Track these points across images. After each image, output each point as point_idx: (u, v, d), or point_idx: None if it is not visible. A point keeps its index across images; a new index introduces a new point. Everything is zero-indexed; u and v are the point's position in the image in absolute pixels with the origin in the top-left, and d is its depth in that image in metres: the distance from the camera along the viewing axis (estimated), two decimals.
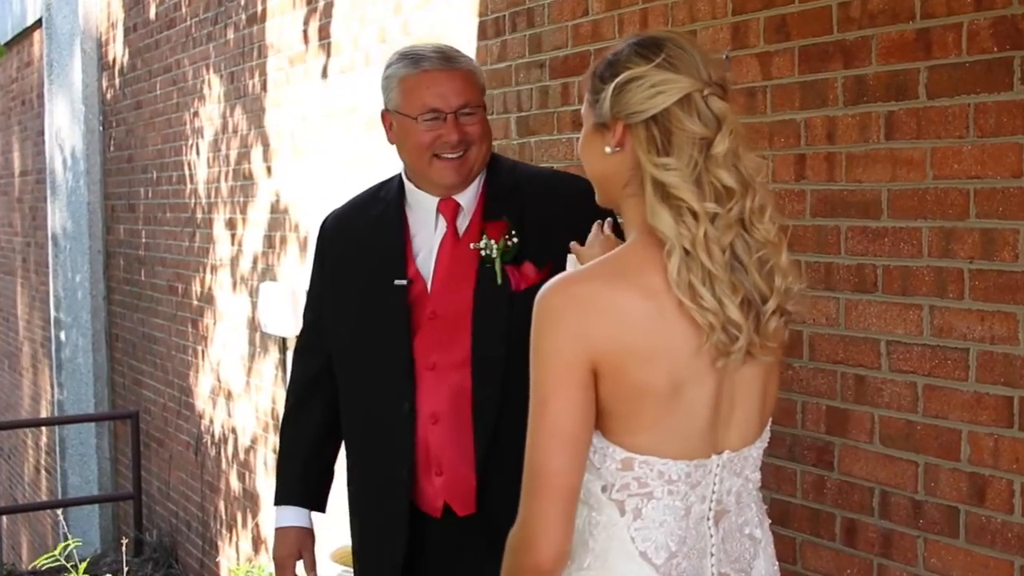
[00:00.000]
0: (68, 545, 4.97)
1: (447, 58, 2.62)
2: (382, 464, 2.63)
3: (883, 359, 2.83)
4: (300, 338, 2.94)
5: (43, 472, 10.68)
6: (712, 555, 1.94)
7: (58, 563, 4.95)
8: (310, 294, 2.89)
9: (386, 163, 4.92)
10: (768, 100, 3.11)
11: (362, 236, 2.71)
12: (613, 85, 1.89)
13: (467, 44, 4.38)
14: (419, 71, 2.57)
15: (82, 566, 4.95)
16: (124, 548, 5.49)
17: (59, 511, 8.79)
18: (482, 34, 4.30)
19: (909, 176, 2.74)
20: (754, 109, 3.15)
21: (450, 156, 2.58)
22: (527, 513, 1.85)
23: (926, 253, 2.71)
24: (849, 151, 2.89)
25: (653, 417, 1.85)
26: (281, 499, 2.91)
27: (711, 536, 1.94)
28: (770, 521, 2.09)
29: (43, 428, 10.46)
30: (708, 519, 1.94)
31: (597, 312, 1.81)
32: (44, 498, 10.41)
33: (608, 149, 1.91)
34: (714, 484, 1.93)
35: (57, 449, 9.69)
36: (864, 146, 2.85)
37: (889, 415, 2.82)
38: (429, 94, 2.55)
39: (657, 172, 1.85)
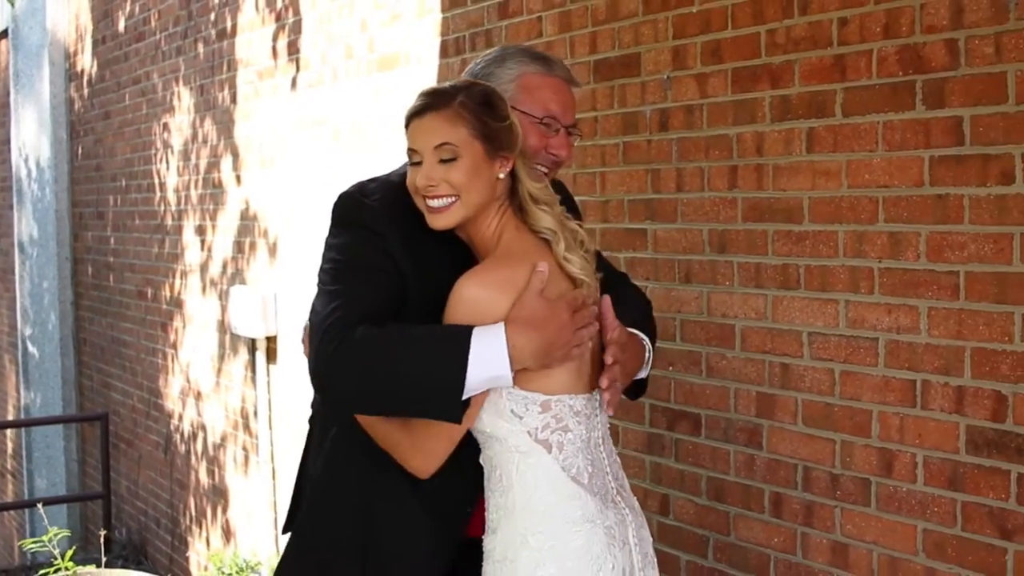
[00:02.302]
0: (57, 534, 5.19)
1: (571, 74, 2.56)
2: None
3: (805, 348, 3.16)
4: (354, 319, 2.23)
5: (8, 476, 10.85)
6: (608, 473, 2.33)
7: (46, 548, 5.18)
8: (371, 273, 2.28)
9: (352, 173, 5.23)
10: (704, 117, 3.44)
11: (426, 233, 2.31)
12: (512, 122, 2.30)
13: (430, 61, 4.70)
14: (550, 73, 2.49)
15: (68, 553, 5.19)
16: (101, 540, 5.71)
17: (26, 512, 8.98)
18: (444, 52, 4.61)
19: (827, 185, 3.08)
20: (692, 125, 3.48)
21: (544, 170, 2.47)
22: (428, 448, 2.24)
23: (842, 254, 3.05)
24: (775, 163, 3.22)
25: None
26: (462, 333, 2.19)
27: (604, 458, 2.34)
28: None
29: (7, 432, 10.63)
30: (600, 445, 2.34)
31: (516, 289, 2.19)
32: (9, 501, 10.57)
33: (502, 175, 2.28)
34: (597, 415, 2.33)
35: (24, 452, 9.87)
36: (788, 158, 3.18)
37: (810, 398, 3.15)
38: (555, 100, 2.47)
39: (535, 190, 2.31)
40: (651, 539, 2.41)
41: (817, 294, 3.13)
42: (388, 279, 2.26)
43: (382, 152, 5.02)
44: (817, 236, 3.12)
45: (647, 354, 2.54)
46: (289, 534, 2.60)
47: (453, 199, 2.24)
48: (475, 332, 2.16)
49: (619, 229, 3.77)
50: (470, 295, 2.20)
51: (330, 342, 2.19)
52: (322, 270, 2.34)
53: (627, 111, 3.72)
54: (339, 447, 2.46)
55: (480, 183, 2.25)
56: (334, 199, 2.38)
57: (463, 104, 2.24)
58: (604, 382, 2.28)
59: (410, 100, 2.31)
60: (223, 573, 5.65)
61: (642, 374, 2.55)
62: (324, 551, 2.47)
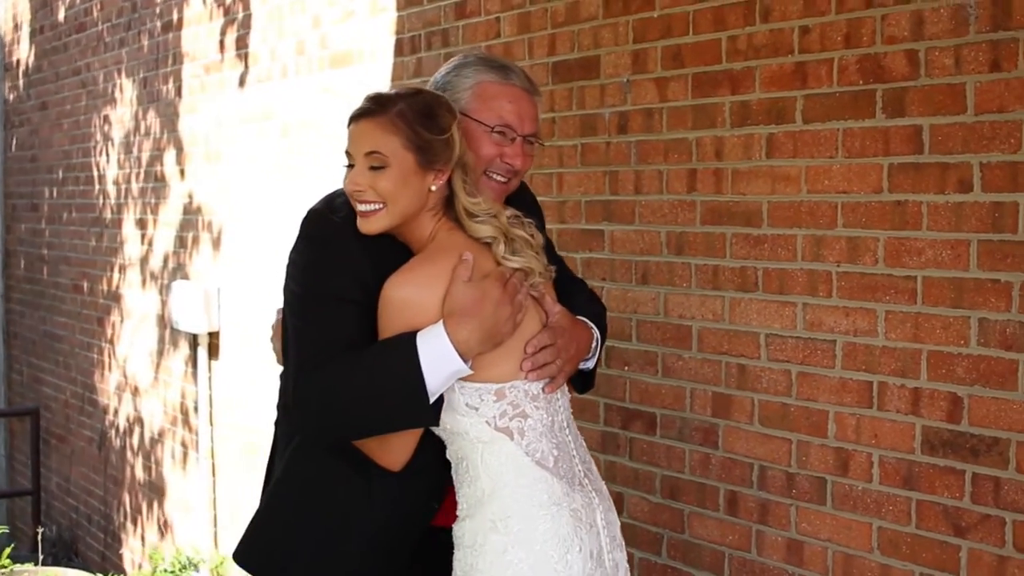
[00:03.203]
0: None
1: (531, 83, 2.51)
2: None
3: (762, 350, 3.22)
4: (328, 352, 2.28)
5: None
6: (575, 456, 2.36)
7: None
8: (337, 304, 2.29)
9: (300, 168, 5.22)
10: (664, 120, 3.49)
11: (387, 253, 2.33)
12: (451, 136, 2.28)
13: (384, 59, 4.71)
14: (507, 82, 2.45)
15: (6, 551, 5.11)
16: (39, 537, 5.63)
17: None
18: (399, 51, 4.62)
19: (786, 190, 3.14)
20: (651, 128, 3.53)
21: (501, 179, 2.45)
22: (395, 444, 2.27)
23: (800, 257, 3.11)
24: (735, 167, 3.28)
25: (510, 345, 2.27)
26: (407, 337, 2.23)
27: (571, 442, 2.37)
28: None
29: None
30: (565, 429, 2.37)
31: (443, 282, 2.22)
32: None
33: (434, 187, 2.28)
34: (558, 399, 2.36)
35: None
36: (748, 163, 3.24)
37: (767, 399, 3.21)
38: (509, 109, 2.43)
39: (470, 205, 2.31)
40: (619, 522, 2.46)
41: (775, 296, 3.19)
42: (354, 308, 2.28)
43: (333, 150, 5.02)
44: (776, 240, 3.18)
45: (595, 343, 2.55)
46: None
47: (380, 206, 2.26)
48: (419, 337, 2.20)
49: (576, 230, 3.81)
50: (396, 296, 2.22)
51: (299, 392, 2.29)
52: (288, 289, 2.36)
53: (586, 113, 3.76)
54: (304, 445, 2.47)
55: (408, 193, 2.26)
56: (303, 218, 2.37)
57: (400, 114, 2.24)
58: (526, 365, 2.30)
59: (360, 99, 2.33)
60: (166, 572, 5.60)
61: (588, 364, 2.55)
62: (282, 539, 2.49)
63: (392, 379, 2.22)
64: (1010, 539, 2.68)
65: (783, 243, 3.16)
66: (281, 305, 2.48)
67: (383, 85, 4.68)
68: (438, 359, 2.20)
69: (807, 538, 3.12)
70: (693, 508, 3.44)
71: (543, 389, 2.33)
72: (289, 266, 2.38)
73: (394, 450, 2.31)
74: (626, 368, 3.64)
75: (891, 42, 2.88)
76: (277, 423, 2.60)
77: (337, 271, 2.31)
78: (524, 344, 2.31)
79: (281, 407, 2.57)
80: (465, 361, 2.20)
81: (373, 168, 2.24)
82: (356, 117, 2.29)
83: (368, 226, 2.28)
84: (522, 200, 2.60)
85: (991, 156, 2.69)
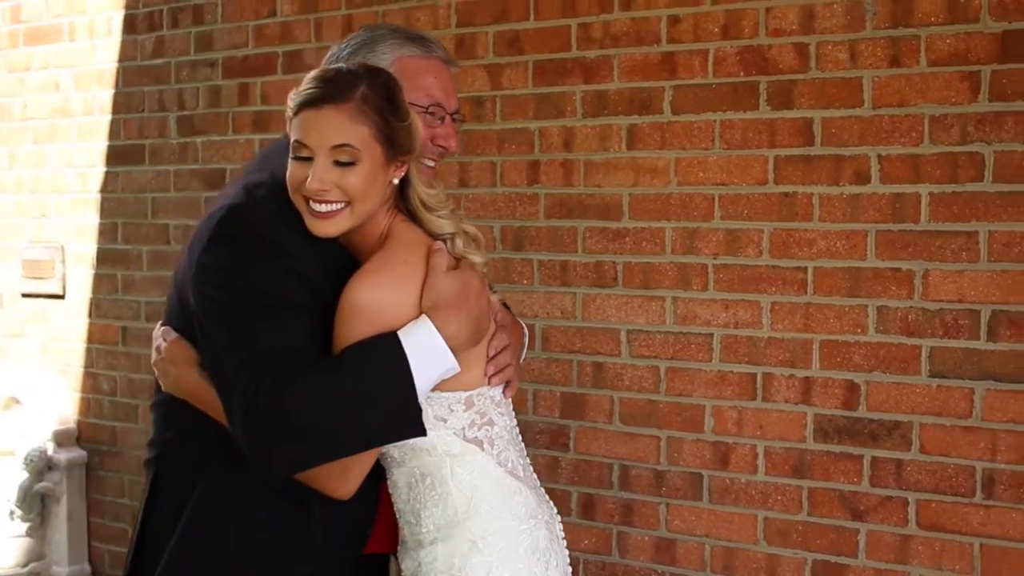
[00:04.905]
0: None
1: (449, 55, 2.29)
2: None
3: (623, 346, 3.14)
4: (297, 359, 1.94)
5: None
6: (530, 464, 2.20)
7: None
8: (285, 313, 1.96)
9: (25, 157, 4.55)
10: (498, 109, 3.33)
11: (332, 250, 2.04)
12: (412, 121, 2.03)
13: (108, 37, 4.19)
14: (429, 55, 2.21)
15: None
16: None
17: None
18: (130, 28, 4.12)
19: (653, 182, 3.08)
20: (481, 117, 3.36)
21: (431, 163, 2.21)
22: (356, 467, 2.00)
23: (670, 251, 3.06)
24: (588, 159, 3.18)
25: (477, 350, 2.06)
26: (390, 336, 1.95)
27: (523, 448, 2.20)
28: None
29: None
30: (520, 435, 2.20)
31: (416, 277, 1.98)
32: None
33: (396, 180, 2.03)
34: (510, 404, 2.19)
35: None
36: (604, 155, 3.15)
37: (630, 396, 3.14)
38: (436, 84, 2.20)
39: (428, 198, 2.07)
40: None
41: (638, 291, 3.12)
42: (302, 314, 1.96)
43: (26, 139, 4.41)
44: (639, 233, 3.11)
45: (525, 339, 2.38)
46: None
47: (343, 205, 1.96)
48: (402, 337, 1.94)
49: None
50: (367, 299, 1.95)
51: (258, 418, 1.91)
52: (210, 300, 1.97)
53: None
54: (220, 487, 2.10)
55: (375, 191, 1.98)
56: (219, 216, 1.97)
57: (366, 98, 1.93)
58: (490, 369, 2.09)
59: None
60: None
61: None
62: None
63: (381, 386, 1.91)
64: (913, 518, 2.77)
65: (648, 236, 3.10)
66: (161, 323, 2.11)
67: (106, 65, 4.16)
68: (428, 358, 1.94)
69: (680, 535, 3.08)
70: None
71: (503, 393, 2.14)
72: (206, 273, 1.97)
73: (351, 475, 2.01)
74: None
75: (777, 35, 2.91)
76: (152, 461, 2.20)
77: (277, 273, 1.96)
78: (486, 347, 2.11)
79: (170, 441, 2.17)
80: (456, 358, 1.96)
81: (339, 163, 1.94)
82: (314, 102, 1.93)
83: (327, 228, 1.95)
84: None
85: (891, 149, 2.77)
